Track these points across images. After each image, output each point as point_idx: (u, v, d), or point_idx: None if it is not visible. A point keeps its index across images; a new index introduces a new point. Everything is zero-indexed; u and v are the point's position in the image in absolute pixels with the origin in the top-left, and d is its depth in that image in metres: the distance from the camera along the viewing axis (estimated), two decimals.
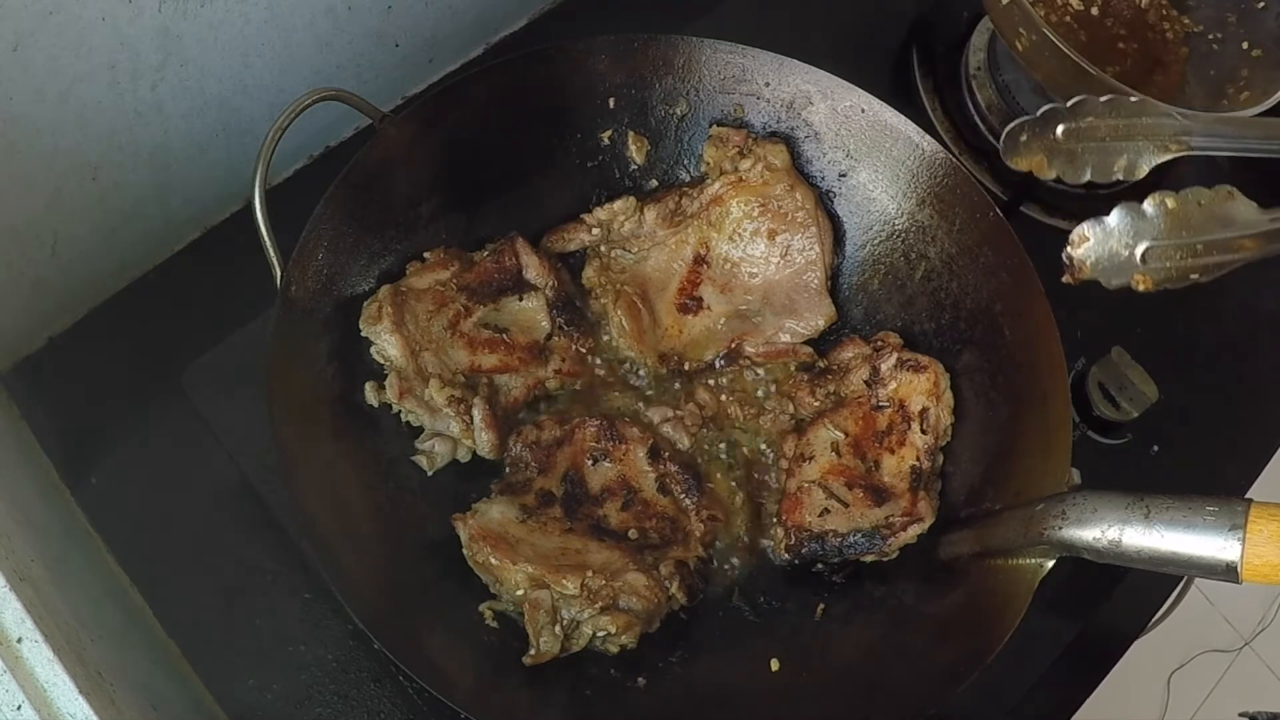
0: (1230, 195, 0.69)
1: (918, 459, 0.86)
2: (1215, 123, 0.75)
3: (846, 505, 0.86)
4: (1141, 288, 0.68)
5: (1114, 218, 0.68)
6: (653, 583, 0.80)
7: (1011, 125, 0.73)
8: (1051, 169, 0.74)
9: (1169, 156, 0.73)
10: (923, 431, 0.87)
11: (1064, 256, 0.70)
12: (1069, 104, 0.73)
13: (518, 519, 0.84)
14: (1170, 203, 0.68)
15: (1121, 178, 0.73)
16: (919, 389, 0.88)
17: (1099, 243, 0.69)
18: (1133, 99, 0.74)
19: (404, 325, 0.84)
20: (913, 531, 0.83)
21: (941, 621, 0.80)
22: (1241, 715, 1.04)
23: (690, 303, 0.96)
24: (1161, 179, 0.80)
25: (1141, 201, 0.68)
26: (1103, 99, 0.74)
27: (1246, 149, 0.75)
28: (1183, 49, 1.08)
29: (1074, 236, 0.69)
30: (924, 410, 0.87)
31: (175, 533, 0.88)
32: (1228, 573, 0.62)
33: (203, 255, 1.00)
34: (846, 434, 0.89)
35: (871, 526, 0.84)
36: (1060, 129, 0.74)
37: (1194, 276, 0.68)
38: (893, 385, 0.90)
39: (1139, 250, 0.68)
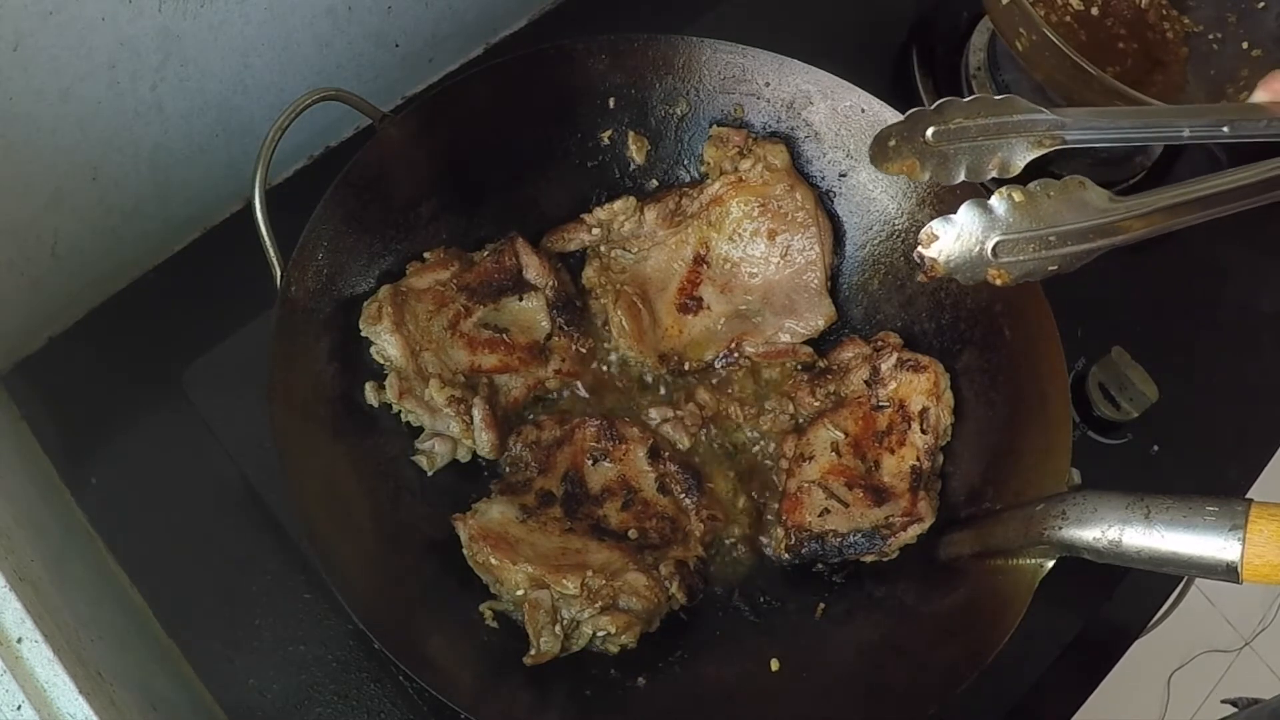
0: (1082, 185, 0.69)
1: (918, 459, 0.86)
2: (1088, 115, 0.75)
3: (846, 505, 0.86)
4: (999, 282, 0.68)
5: (961, 215, 0.68)
6: (653, 583, 0.80)
7: (879, 132, 0.74)
8: (925, 172, 0.74)
9: (1043, 151, 0.73)
10: (923, 431, 0.87)
11: (915, 256, 0.70)
12: (933, 106, 0.73)
13: (518, 519, 0.84)
14: (1017, 196, 0.68)
15: (997, 175, 0.73)
16: (919, 389, 0.88)
17: (950, 239, 0.69)
18: (997, 97, 0.74)
19: (404, 325, 0.84)
20: (913, 531, 0.83)
21: (941, 621, 0.80)
22: (1224, 701, 1.05)
23: (690, 303, 0.96)
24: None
25: (990, 198, 0.68)
26: (966, 99, 0.74)
27: (1123, 139, 0.75)
28: (1183, 49, 1.08)
29: (923, 235, 0.70)
30: (924, 410, 0.87)
31: (175, 533, 0.88)
32: (1228, 573, 0.62)
33: (203, 255, 1.00)
34: (846, 434, 0.89)
35: (871, 526, 0.84)
36: (930, 131, 0.73)
37: (1052, 268, 0.68)
38: (893, 385, 0.90)
39: (989, 244, 0.68)
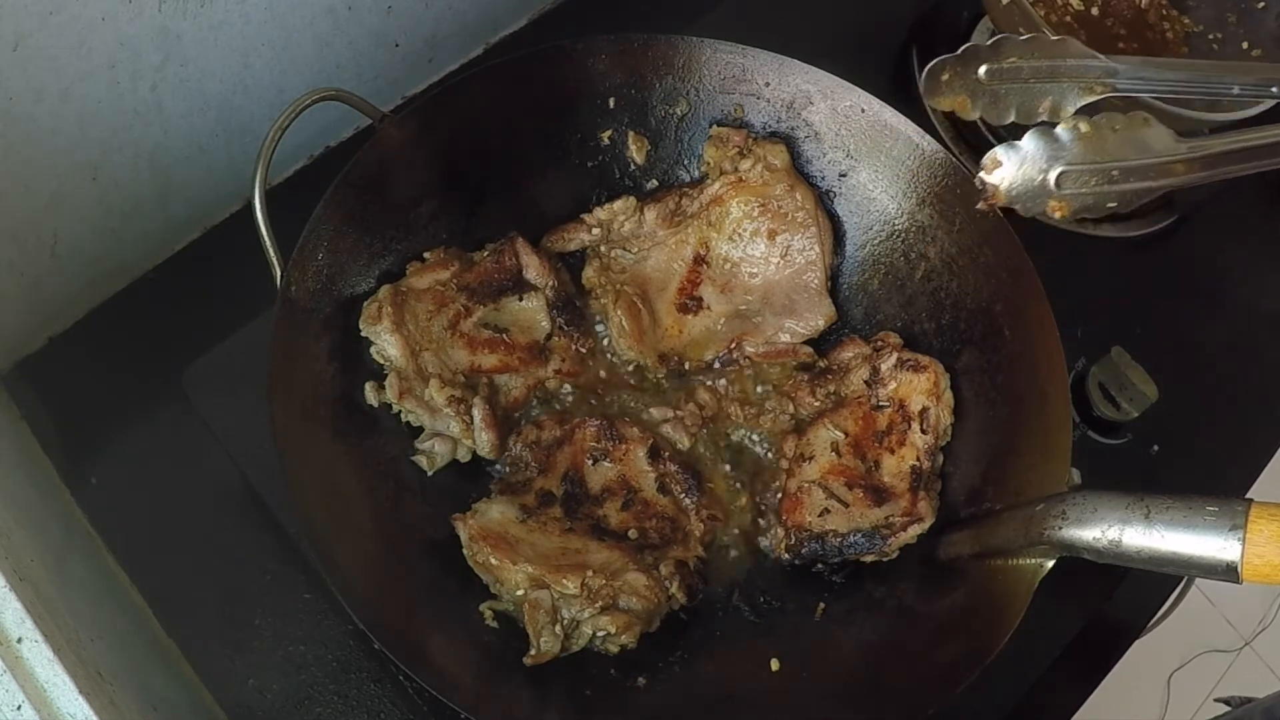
0: (1146, 122, 0.68)
1: (918, 459, 0.86)
2: (1141, 65, 0.74)
3: (846, 505, 0.86)
4: (1057, 214, 0.68)
5: (1027, 141, 0.68)
6: (653, 583, 0.80)
7: (932, 64, 0.72)
8: (975, 109, 0.73)
9: (1094, 98, 0.72)
10: (923, 431, 0.87)
11: (976, 181, 0.69)
12: (989, 42, 0.72)
13: (518, 519, 0.84)
14: (1084, 127, 0.67)
15: (1046, 119, 0.72)
16: (919, 389, 0.88)
17: (1013, 166, 0.68)
18: (1054, 38, 0.73)
19: (404, 325, 0.84)
20: (913, 531, 0.83)
21: (941, 621, 0.80)
22: (1218, 700, 1.05)
23: (690, 303, 0.96)
24: None
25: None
26: (1023, 37, 0.73)
27: (1173, 90, 0.75)
28: (1183, 49, 1.08)
29: (987, 160, 0.69)
30: (924, 410, 0.87)
31: (175, 533, 0.88)
32: (1228, 573, 0.62)
33: (203, 255, 1.00)
34: (846, 434, 0.89)
35: (871, 526, 0.84)
36: (983, 69, 0.73)
37: (1111, 205, 0.68)
38: (893, 385, 0.90)
39: (1053, 175, 0.67)
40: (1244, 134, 0.69)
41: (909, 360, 0.89)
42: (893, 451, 0.88)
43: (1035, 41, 0.72)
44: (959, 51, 0.72)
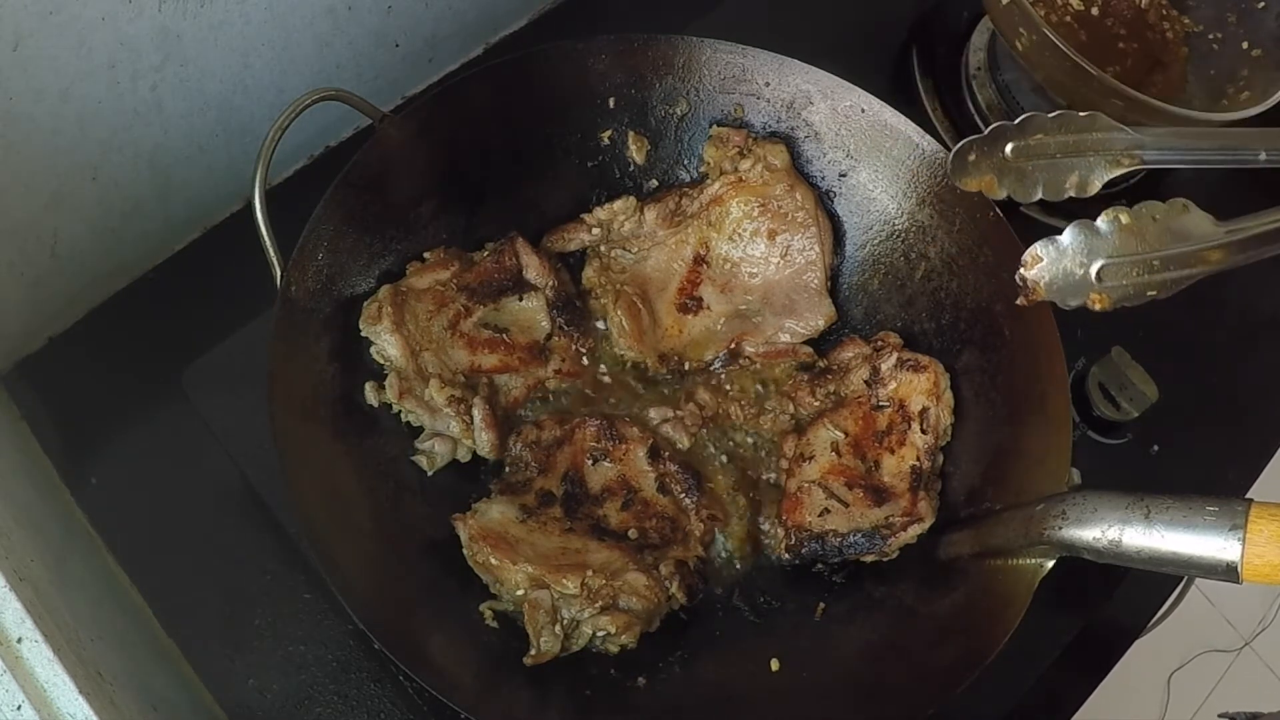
0: (1185, 209, 0.68)
1: (918, 459, 0.86)
2: (1168, 136, 0.74)
3: (846, 505, 0.86)
4: (1098, 307, 0.67)
5: (1067, 236, 0.67)
6: (653, 582, 0.80)
7: (959, 145, 0.73)
8: (1002, 189, 0.73)
9: (1121, 171, 0.72)
10: (923, 431, 0.87)
11: (1017, 279, 0.69)
12: (1016, 121, 0.72)
13: (518, 519, 0.84)
14: (1124, 218, 0.67)
15: (1074, 194, 0.73)
16: (919, 389, 0.88)
17: (1053, 262, 0.68)
18: (1081, 115, 0.73)
19: (404, 325, 0.84)
20: (913, 531, 0.83)
21: (941, 621, 0.80)
22: (1221, 716, 1.04)
23: (690, 303, 0.96)
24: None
25: (1097, 218, 0.67)
26: (1051, 115, 0.73)
27: (1201, 160, 0.75)
28: (1183, 49, 1.08)
29: (1027, 258, 0.68)
30: (924, 410, 0.87)
31: (175, 533, 0.88)
32: (1228, 573, 0.62)
33: (203, 255, 1.00)
34: (846, 434, 0.89)
35: (871, 526, 0.84)
36: (1009, 147, 0.73)
37: (1151, 294, 0.67)
38: (893, 385, 0.90)
39: (1094, 269, 0.67)
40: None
41: (909, 360, 0.89)
42: (893, 451, 0.88)
43: (1064, 117, 0.72)
44: (986, 132, 0.73)
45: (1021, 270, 0.69)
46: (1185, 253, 0.67)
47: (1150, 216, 0.67)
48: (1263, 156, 0.72)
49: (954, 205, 0.90)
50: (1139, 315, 1.06)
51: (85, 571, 0.83)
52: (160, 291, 0.98)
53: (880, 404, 0.90)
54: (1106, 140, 0.72)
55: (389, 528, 0.81)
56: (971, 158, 0.73)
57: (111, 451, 0.91)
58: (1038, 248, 0.68)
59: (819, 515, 0.86)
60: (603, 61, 0.93)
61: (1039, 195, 0.73)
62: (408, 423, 0.86)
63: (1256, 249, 0.68)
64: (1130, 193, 1.15)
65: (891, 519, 0.84)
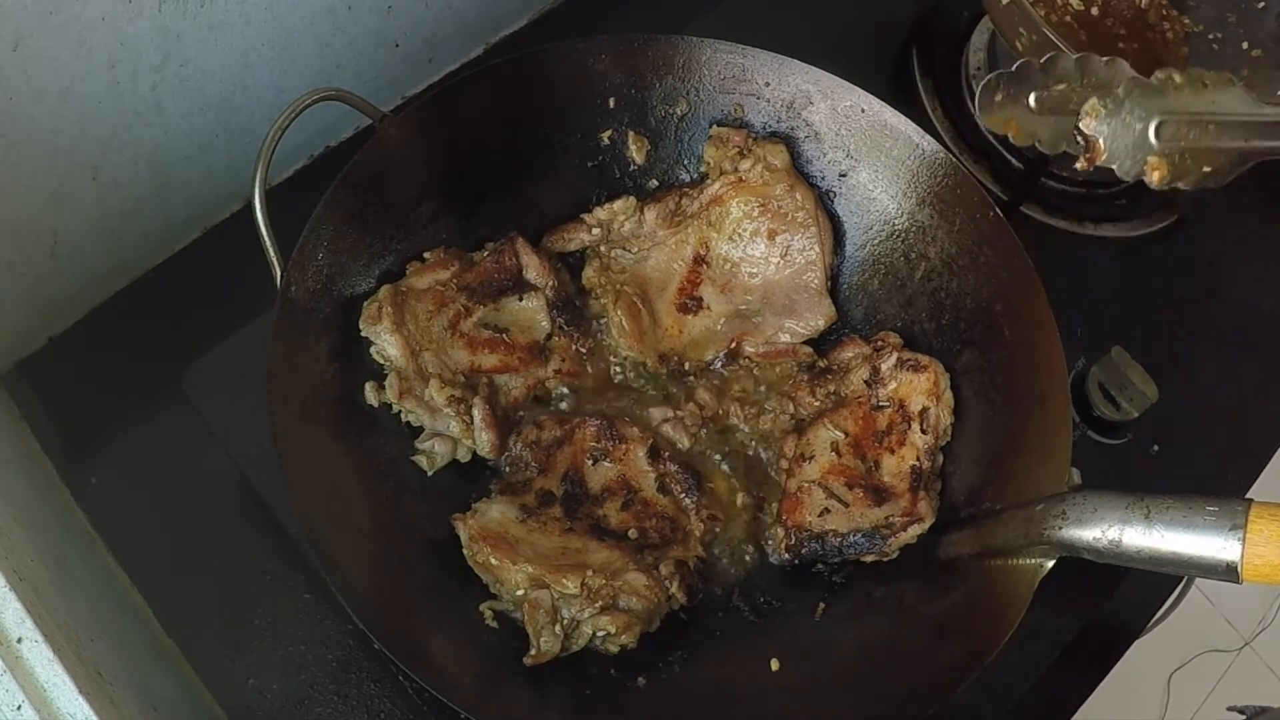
0: (1231, 82, 0.67)
1: (918, 459, 0.86)
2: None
3: (846, 505, 0.86)
4: (1156, 175, 0.66)
5: (1123, 90, 0.66)
6: (653, 582, 0.80)
7: (987, 79, 0.72)
8: (1026, 136, 0.74)
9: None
10: (923, 431, 0.87)
11: (1076, 136, 0.68)
12: (1043, 60, 0.72)
13: (518, 519, 0.84)
14: (1178, 78, 0.66)
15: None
16: (919, 389, 0.88)
17: (1111, 114, 0.66)
18: (1104, 59, 0.72)
19: (404, 325, 0.84)
20: (913, 531, 0.83)
21: (941, 621, 0.80)
22: (1230, 709, 1.04)
23: (690, 302, 0.96)
24: None
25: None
26: (1074, 56, 0.72)
27: (1219, 115, 0.75)
28: (1183, 49, 1.08)
29: (1087, 108, 0.67)
30: (924, 410, 0.87)
31: (175, 533, 0.88)
32: (1228, 573, 0.62)
33: (203, 255, 1.00)
34: (846, 434, 0.89)
35: (871, 526, 0.84)
36: (1032, 98, 0.73)
37: (1206, 169, 0.66)
38: (893, 385, 0.90)
39: (1152, 124, 0.66)
40: None
41: (909, 360, 0.89)
42: (893, 451, 0.88)
43: (1085, 60, 0.71)
44: (1014, 68, 0.72)
45: (1080, 124, 0.67)
46: (1238, 120, 0.66)
47: (1201, 80, 0.66)
48: None
49: (954, 205, 0.90)
50: (1139, 315, 1.08)
51: (85, 571, 0.83)
52: (160, 291, 0.98)
53: (880, 404, 0.90)
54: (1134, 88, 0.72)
55: (389, 528, 0.81)
56: (998, 97, 0.73)
57: (111, 451, 0.91)
58: (1094, 100, 0.66)
59: (819, 515, 0.86)
60: (603, 61, 0.93)
61: (1064, 147, 0.73)
62: (408, 423, 0.86)
63: None
64: (1130, 193, 1.15)
65: (891, 519, 0.84)
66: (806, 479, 0.88)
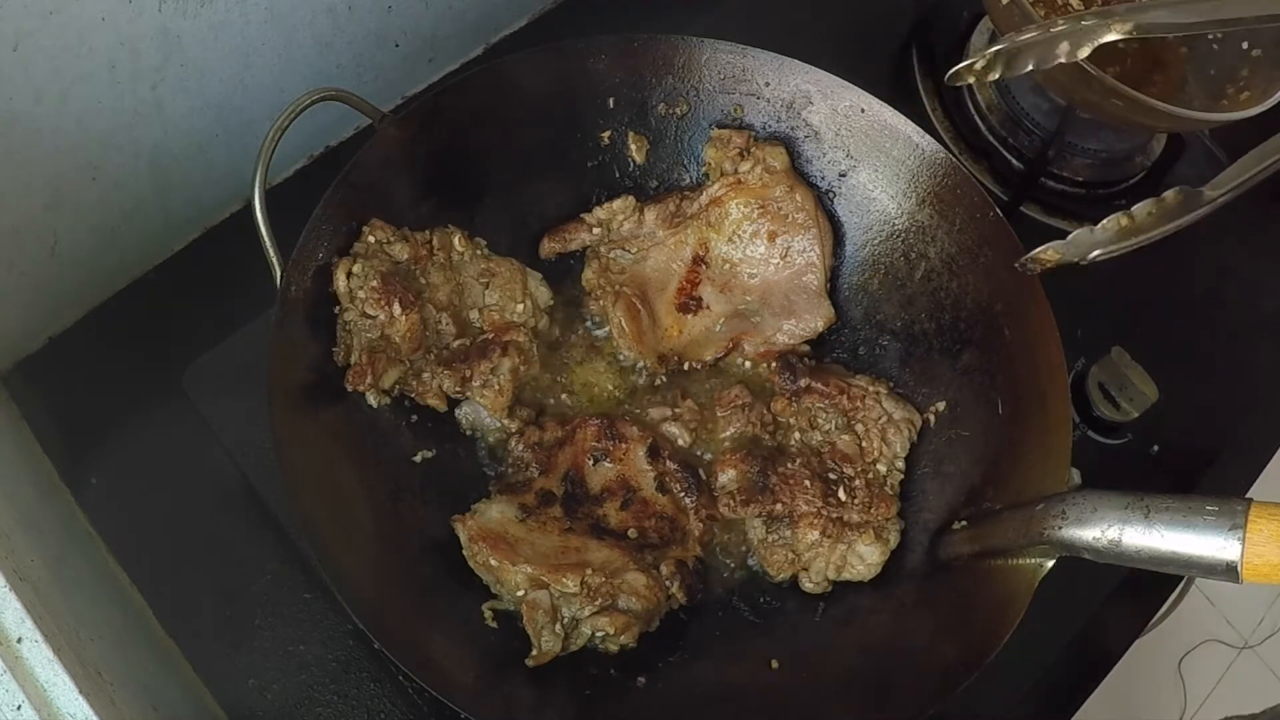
0: (1179, 194, 0.73)
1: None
2: (1160, 6, 0.78)
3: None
4: (1083, 263, 0.75)
5: (1070, 240, 0.75)
6: (653, 582, 0.80)
7: (953, 70, 0.79)
8: (994, 70, 0.77)
9: (1112, 36, 0.75)
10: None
11: (1025, 267, 0.78)
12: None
13: (517, 518, 0.84)
14: (1124, 221, 0.73)
15: (1064, 60, 0.76)
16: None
17: (1058, 255, 0.77)
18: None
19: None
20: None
21: (941, 621, 0.80)
22: None
23: (690, 302, 0.96)
24: None
25: (1098, 223, 0.74)
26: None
27: (1192, 26, 0.78)
28: (1182, 49, 1.08)
29: (1036, 256, 0.78)
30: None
31: (175, 533, 0.88)
32: (1228, 572, 0.62)
33: (203, 255, 1.00)
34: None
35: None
36: (1002, 43, 0.78)
37: (1137, 246, 0.75)
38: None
39: (1090, 256, 0.75)
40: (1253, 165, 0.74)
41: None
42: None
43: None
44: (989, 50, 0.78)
45: (1029, 264, 0.77)
46: (1172, 227, 0.72)
47: (1146, 212, 0.72)
48: (1253, 16, 0.76)
49: (954, 205, 0.90)
50: (1139, 315, 1.08)
51: (85, 571, 0.83)
52: (160, 291, 0.98)
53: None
54: (1105, 12, 0.76)
55: (389, 528, 0.81)
56: (964, 72, 0.80)
57: (111, 451, 0.91)
58: (1045, 251, 0.76)
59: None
60: (603, 61, 0.93)
61: (1029, 68, 0.77)
62: (408, 423, 0.86)
63: (1234, 196, 0.74)
64: (1129, 193, 1.15)
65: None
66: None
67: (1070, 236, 0.74)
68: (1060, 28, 0.76)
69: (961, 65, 0.78)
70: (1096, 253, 0.73)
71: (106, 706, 0.62)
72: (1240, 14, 0.76)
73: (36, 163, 0.81)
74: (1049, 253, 0.74)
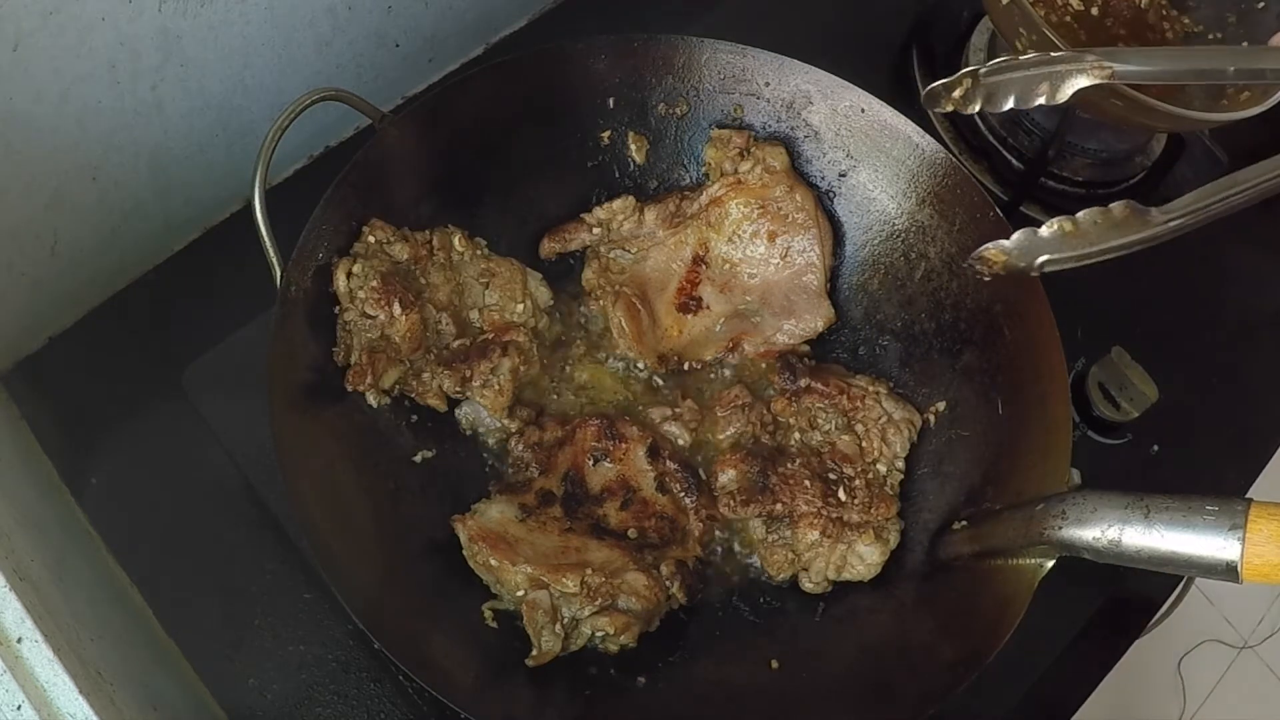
0: (1127, 208, 0.73)
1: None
2: (1139, 54, 0.78)
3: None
4: (1034, 273, 0.74)
5: (1015, 239, 0.74)
6: (653, 582, 0.80)
7: (930, 88, 0.78)
8: (973, 104, 0.77)
9: (1090, 82, 0.75)
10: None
11: (974, 267, 0.76)
12: (983, 70, 0.77)
13: (517, 518, 0.84)
14: (1067, 226, 0.72)
15: (1044, 102, 0.76)
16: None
17: (1003, 259, 0.75)
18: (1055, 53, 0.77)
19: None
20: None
21: (941, 621, 0.80)
22: None
23: (690, 302, 0.96)
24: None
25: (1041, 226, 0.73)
26: (1023, 57, 0.77)
27: (1171, 75, 0.78)
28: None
29: (981, 255, 0.75)
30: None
31: (175, 533, 0.88)
32: (1228, 572, 0.62)
33: (203, 255, 1.00)
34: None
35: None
36: (983, 70, 0.78)
37: (1087, 261, 0.74)
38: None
39: (1036, 263, 0.73)
40: (1213, 192, 0.74)
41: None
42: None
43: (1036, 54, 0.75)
44: (954, 78, 0.77)
45: (975, 264, 0.76)
46: (1122, 244, 0.72)
47: (1093, 221, 0.72)
48: (1231, 70, 0.76)
49: (954, 205, 0.90)
50: (1139, 315, 1.08)
51: (85, 571, 0.83)
52: (160, 291, 0.98)
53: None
54: (1079, 55, 0.76)
55: (389, 528, 0.81)
56: (943, 93, 0.77)
57: (111, 451, 0.91)
58: (989, 249, 0.74)
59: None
60: (603, 61, 0.93)
61: (1009, 105, 0.77)
62: (408, 423, 0.85)
63: (1189, 223, 0.73)
64: (1130, 193, 1.15)
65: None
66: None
67: (1014, 236, 0.73)
68: (1039, 70, 0.76)
69: (938, 85, 0.78)
70: (1044, 258, 0.72)
71: (106, 706, 0.62)
72: (1212, 65, 0.76)
73: (36, 163, 0.81)
74: (993, 252, 0.74)
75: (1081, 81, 0.75)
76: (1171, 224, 0.71)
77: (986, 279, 0.77)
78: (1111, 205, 0.71)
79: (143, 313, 0.97)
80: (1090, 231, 0.71)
